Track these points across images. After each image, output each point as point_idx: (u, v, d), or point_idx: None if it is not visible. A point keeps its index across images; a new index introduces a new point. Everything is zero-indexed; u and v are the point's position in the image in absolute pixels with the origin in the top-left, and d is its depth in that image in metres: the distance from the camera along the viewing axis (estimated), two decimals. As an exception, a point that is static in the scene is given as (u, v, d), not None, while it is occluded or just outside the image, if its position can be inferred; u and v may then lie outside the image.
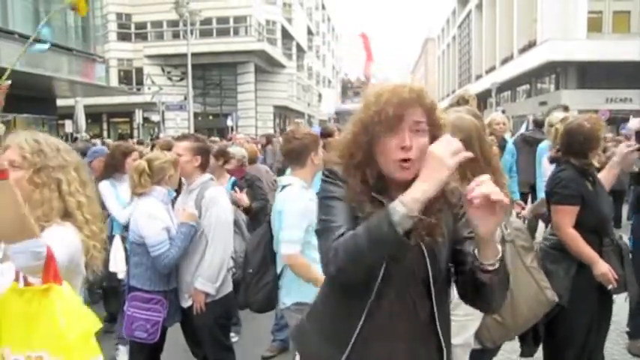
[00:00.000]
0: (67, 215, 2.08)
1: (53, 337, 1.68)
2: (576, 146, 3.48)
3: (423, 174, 1.55)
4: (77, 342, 1.69)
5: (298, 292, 3.28)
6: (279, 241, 3.31)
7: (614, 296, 3.54)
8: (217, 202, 3.72)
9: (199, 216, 3.68)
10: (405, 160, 1.66)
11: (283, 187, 3.49)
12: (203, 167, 3.89)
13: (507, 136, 7.86)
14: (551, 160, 3.74)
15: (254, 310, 3.66)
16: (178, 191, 4.67)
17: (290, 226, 3.24)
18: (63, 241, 1.95)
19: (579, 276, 3.33)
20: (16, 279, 1.82)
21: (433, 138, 1.68)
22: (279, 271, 3.44)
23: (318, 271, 2.98)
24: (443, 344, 1.77)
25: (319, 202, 1.81)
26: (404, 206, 1.52)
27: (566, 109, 7.47)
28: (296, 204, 3.28)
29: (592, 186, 3.44)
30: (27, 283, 1.80)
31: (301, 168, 3.49)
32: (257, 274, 3.49)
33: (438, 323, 1.75)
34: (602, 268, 3.30)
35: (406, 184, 1.62)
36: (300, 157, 3.49)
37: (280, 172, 6.95)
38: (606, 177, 3.72)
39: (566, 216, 3.39)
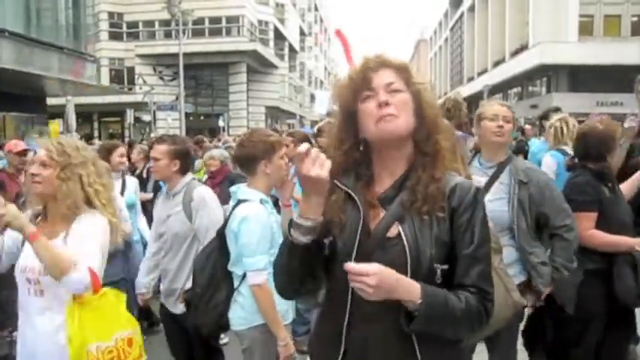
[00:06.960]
0: (88, 202, 2.59)
1: (120, 324, 2.48)
2: (592, 150, 3.34)
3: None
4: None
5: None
6: (244, 267, 3.04)
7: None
8: (206, 203, 3.63)
9: (190, 219, 3.60)
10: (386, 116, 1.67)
11: (239, 201, 3.13)
12: (183, 170, 3.75)
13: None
14: (568, 168, 3.59)
15: (205, 334, 3.37)
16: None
17: (254, 252, 2.98)
18: (95, 225, 2.57)
19: (586, 285, 3.19)
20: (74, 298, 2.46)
21: (417, 100, 1.70)
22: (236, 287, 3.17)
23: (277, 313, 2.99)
24: (416, 345, 1.64)
25: None
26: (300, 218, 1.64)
27: (557, 110, 7.46)
28: (256, 225, 3.00)
29: (610, 192, 3.29)
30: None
31: (252, 177, 3.19)
32: (205, 294, 3.14)
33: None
34: (636, 241, 3.19)
35: (389, 151, 1.71)
36: (249, 165, 3.19)
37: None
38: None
39: (586, 222, 3.20)
